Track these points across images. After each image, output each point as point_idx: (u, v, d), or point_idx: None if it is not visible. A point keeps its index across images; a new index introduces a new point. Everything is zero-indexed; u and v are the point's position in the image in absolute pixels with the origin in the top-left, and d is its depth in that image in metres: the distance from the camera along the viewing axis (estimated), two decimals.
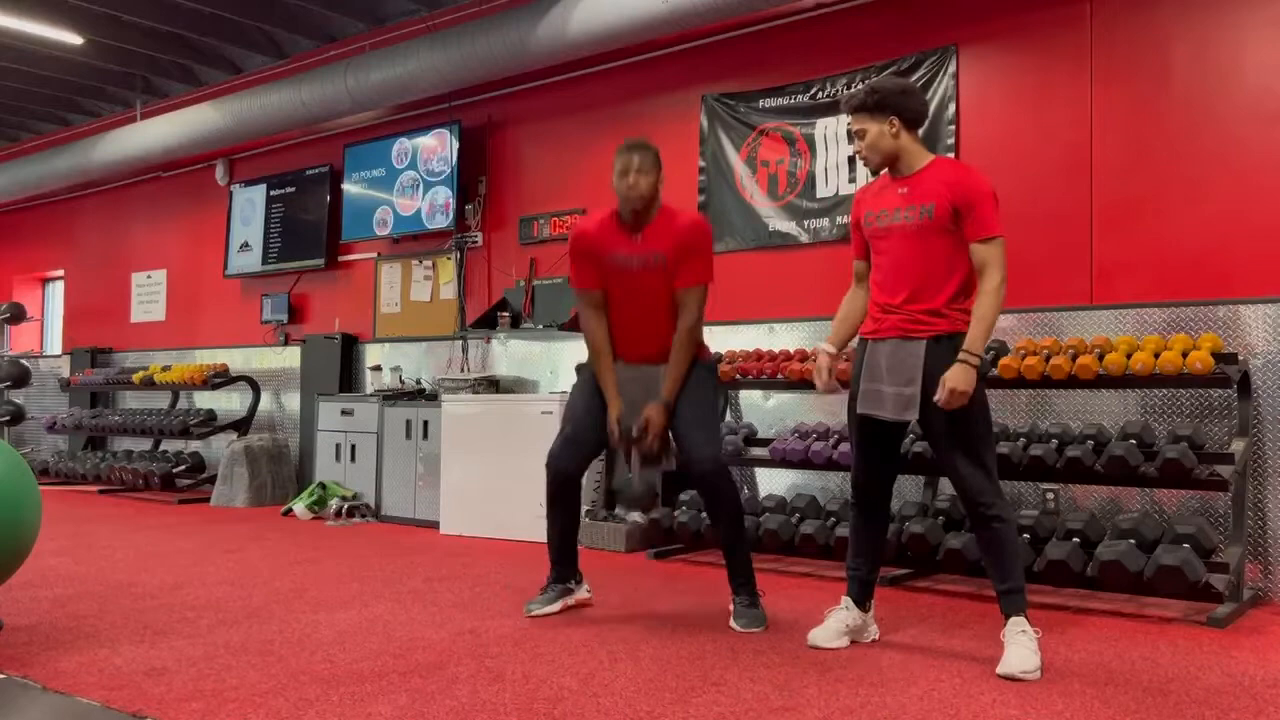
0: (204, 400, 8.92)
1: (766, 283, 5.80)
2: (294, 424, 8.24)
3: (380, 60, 6.87)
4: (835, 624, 3.36)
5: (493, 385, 6.74)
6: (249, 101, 7.71)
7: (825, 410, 5.38)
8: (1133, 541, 3.90)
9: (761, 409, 5.73)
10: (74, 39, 7.78)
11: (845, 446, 4.69)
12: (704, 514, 5.02)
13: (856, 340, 3.43)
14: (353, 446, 7.03)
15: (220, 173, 9.11)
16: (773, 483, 5.58)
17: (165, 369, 8.82)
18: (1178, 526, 3.94)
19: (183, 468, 8.35)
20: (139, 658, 3.11)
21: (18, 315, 10.49)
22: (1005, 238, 3.14)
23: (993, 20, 5.13)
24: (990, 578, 3.20)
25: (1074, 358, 4.29)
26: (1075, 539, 4.07)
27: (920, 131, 3.35)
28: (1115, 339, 4.38)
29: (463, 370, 7.09)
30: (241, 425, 8.25)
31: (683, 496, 5.30)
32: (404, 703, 2.68)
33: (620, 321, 3.78)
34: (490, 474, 5.95)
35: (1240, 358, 4.25)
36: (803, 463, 4.93)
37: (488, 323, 6.79)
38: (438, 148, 7.34)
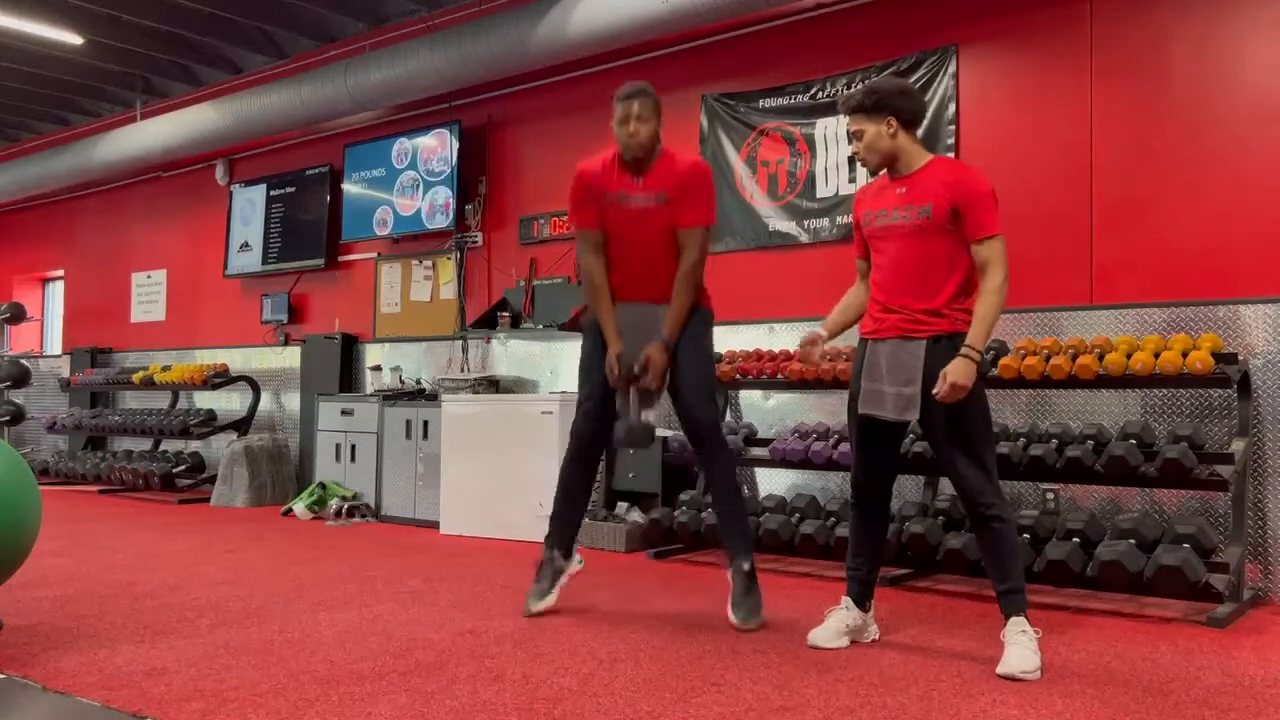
0: (204, 400, 8.92)
1: (766, 283, 5.80)
2: (294, 424, 8.24)
3: (380, 60, 6.88)
4: (835, 624, 3.36)
5: (493, 385, 6.74)
6: (249, 101, 7.72)
7: (825, 410, 5.39)
8: (1133, 541, 3.90)
9: (761, 409, 5.73)
10: (74, 39, 7.79)
11: (845, 446, 4.69)
12: (704, 514, 5.02)
13: (857, 340, 3.44)
14: (353, 446, 7.03)
15: (220, 173, 9.11)
16: (773, 483, 5.58)
17: (165, 369, 8.83)
18: (1178, 526, 3.94)
19: (183, 468, 8.35)
20: (139, 658, 3.11)
21: (18, 315, 10.49)
22: (1005, 237, 3.14)
23: (993, 20, 5.13)
24: (990, 578, 3.21)
25: (1074, 358, 4.29)
26: (1075, 539, 4.06)
27: (919, 132, 3.36)
28: (1115, 339, 4.38)
29: (463, 370, 7.09)
30: (241, 425, 8.25)
31: (683, 496, 5.30)
32: (404, 703, 2.67)
33: (620, 263, 3.76)
34: (490, 474, 5.94)
35: (1240, 358, 4.26)
36: (803, 463, 4.94)
37: (488, 323, 6.79)
38: (438, 148, 7.34)
